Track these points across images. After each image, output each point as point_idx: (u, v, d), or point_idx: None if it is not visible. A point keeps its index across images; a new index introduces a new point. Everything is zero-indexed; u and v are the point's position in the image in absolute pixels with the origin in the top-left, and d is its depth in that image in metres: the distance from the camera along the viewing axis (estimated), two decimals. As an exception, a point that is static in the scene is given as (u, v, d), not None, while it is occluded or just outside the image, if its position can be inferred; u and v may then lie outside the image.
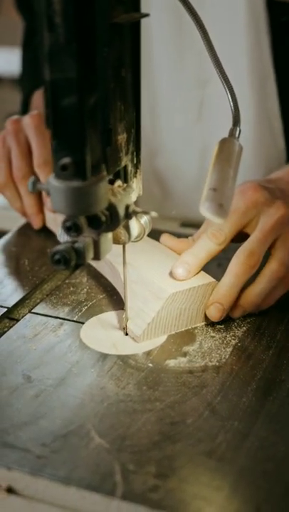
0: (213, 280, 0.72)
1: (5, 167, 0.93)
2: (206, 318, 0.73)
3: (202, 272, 0.73)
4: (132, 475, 0.54)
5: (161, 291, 0.71)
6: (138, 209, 0.65)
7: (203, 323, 0.73)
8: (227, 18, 0.93)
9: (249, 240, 0.71)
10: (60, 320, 0.75)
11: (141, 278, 0.74)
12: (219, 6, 0.93)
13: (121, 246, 0.72)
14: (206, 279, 0.72)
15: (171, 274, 0.73)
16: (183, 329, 0.72)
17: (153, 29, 0.98)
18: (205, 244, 0.73)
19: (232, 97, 0.69)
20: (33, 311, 0.77)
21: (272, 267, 0.72)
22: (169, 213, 1.07)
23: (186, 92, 1.00)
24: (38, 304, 0.78)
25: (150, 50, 0.99)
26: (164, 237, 0.79)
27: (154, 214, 0.66)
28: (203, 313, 0.73)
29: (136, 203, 0.66)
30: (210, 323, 0.73)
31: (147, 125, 1.03)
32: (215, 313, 0.71)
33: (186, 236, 0.79)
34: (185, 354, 0.69)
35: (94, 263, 0.84)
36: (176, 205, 1.08)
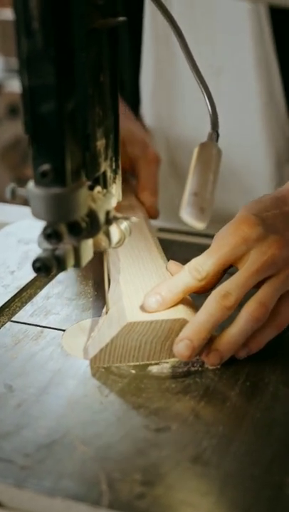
0: (183, 317, 0.67)
1: None
2: (173, 355, 0.67)
3: (179, 306, 0.68)
4: (118, 483, 0.54)
5: (123, 317, 0.67)
6: (118, 214, 0.64)
7: (171, 361, 0.68)
8: (231, 14, 0.95)
9: (230, 278, 0.67)
10: (41, 328, 0.74)
11: (119, 298, 0.71)
12: (224, 4, 0.95)
13: (128, 263, 0.73)
14: (176, 314, 0.67)
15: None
16: (145, 362, 0.68)
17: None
18: (184, 279, 0.68)
19: (210, 102, 0.69)
20: (12, 319, 0.76)
21: (249, 307, 0.66)
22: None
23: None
24: (18, 312, 0.77)
25: (170, 40, 1.00)
26: (170, 265, 0.74)
27: (134, 219, 0.65)
28: (169, 350, 0.67)
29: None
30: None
31: (164, 116, 1.03)
32: (183, 351, 0.65)
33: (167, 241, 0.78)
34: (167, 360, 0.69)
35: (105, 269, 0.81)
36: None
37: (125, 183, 0.96)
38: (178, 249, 0.91)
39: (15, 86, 2.78)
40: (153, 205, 0.93)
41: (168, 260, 0.76)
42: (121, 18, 0.62)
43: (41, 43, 0.54)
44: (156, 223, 0.98)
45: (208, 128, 1.02)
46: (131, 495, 0.53)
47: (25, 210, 1.03)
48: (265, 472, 0.55)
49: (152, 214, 0.93)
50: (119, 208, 0.88)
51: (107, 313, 0.72)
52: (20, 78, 0.56)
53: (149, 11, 1.01)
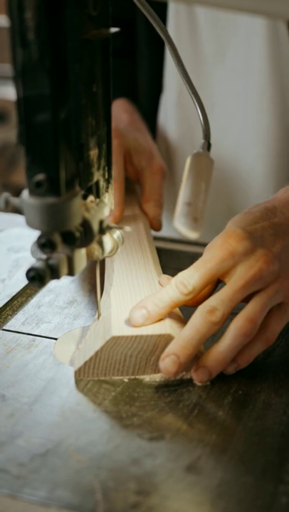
0: (168, 333, 0.66)
1: None
2: (158, 370, 0.67)
3: (166, 321, 0.68)
4: (113, 492, 0.54)
5: (108, 330, 0.67)
6: (112, 224, 0.65)
7: (158, 376, 0.68)
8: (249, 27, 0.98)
9: (217, 293, 0.66)
10: (33, 336, 0.74)
11: (107, 311, 0.70)
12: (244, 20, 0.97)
13: (121, 275, 0.73)
14: (162, 329, 0.66)
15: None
16: (130, 376, 0.67)
17: (199, 27, 1.01)
18: (170, 293, 0.67)
19: (202, 113, 0.69)
20: (4, 327, 0.76)
21: (237, 323, 0.65)
22: (220, 206, 1.06)
23: (230, 83, 1.02)
24: (9, 320, 0.77)
25: (196, 45, 1.01)
26: (162, 279, 0.74)
27: (127, 229, 0.66)
28: (155, 365, 0.67)
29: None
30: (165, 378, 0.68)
31: (192, 120, 1.05)
32: (170, 367, 0.64)
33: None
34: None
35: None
36: (226, 198, 1.07)
37: (130, 193, 0.96)
38: (171, 257, 0.91)
39: (3, 92, 2.78)
40: (156, 217, 0.92)
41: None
42: (113, 29, 0.63)
43: (36, 54, 0.54)
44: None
45: (237, 133, 1.04)
46: (126, 504, 0.53)
47: (15, 219, 1.04)
48: (259, 480, 0.55)
49: (155, 226, 0.93)
50: (121, 217, 0.88)
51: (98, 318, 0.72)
52: (16, 88, 0.56)
53: (172, 20, 1.02)
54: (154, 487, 0.55)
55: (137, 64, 1.10)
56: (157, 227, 0.93)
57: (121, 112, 1.02)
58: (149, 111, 1.10)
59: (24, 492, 0.54)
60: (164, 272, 0.78)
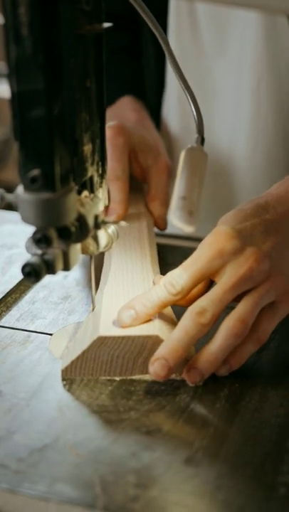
0: (156, 334, 0.65)
1: None
2: (146, 371, 0.66)
3: (155, 321, 0.67)
4: (112, 486, 0.54)
5: (96, 330, 0.66)
6: (106, 219, 0.65)
7: (147, 377, 0.67)
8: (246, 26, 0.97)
9: (207, 294, 0.65)
10: (28, 332, 0.74)
11: (98, 310, 0.70)
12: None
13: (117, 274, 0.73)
14: (149, 330, 0.66)
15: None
16: (117, 377, 0.67)
17: (199, 20, 1.01)
18: (158, 293, 0.66)
19: (195, 107, 0.69)
20: (-2, 324, 0.76)
21: (228, 324, 0.64)
22: (220, 202, 1.05)
23: (230, 78, 1.02)
24: (4, 316, 0.77)
25: (200, 41, 1.01)
26: (157, 279, 0.72)
27: (122, 224, 0.66)
28: (142, 366, 0.66)
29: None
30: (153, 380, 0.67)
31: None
32: (160, 371, 0.64)
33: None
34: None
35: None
36: (224, 191, 1.08)
37: (137, 191, 0.95)
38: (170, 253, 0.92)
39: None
40: (162, 216, 0.91)
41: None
42: (106, 24, 0.63)
43: (30, 49, 0.54)
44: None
45: (235, 125, 1.04)
46: (125, 497, 0.53)
47: (7, 215, 1.04)
48: (258, 472, 0.56)
49: (160, 225, 0.92)
50: (124, 216, 0.87)
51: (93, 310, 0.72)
52: (10, 84, 0.56)
53: (174, 15, 1.03)
54: (152, 480, 0.55)
55: (143, 61, 1.10)
56: (162, 226, 0.92)
57: (128, 110, 1.01)
58: (155, 107, 1.10)
59: (23, 486, 0.54)
60: (161, 268, 0.78)
